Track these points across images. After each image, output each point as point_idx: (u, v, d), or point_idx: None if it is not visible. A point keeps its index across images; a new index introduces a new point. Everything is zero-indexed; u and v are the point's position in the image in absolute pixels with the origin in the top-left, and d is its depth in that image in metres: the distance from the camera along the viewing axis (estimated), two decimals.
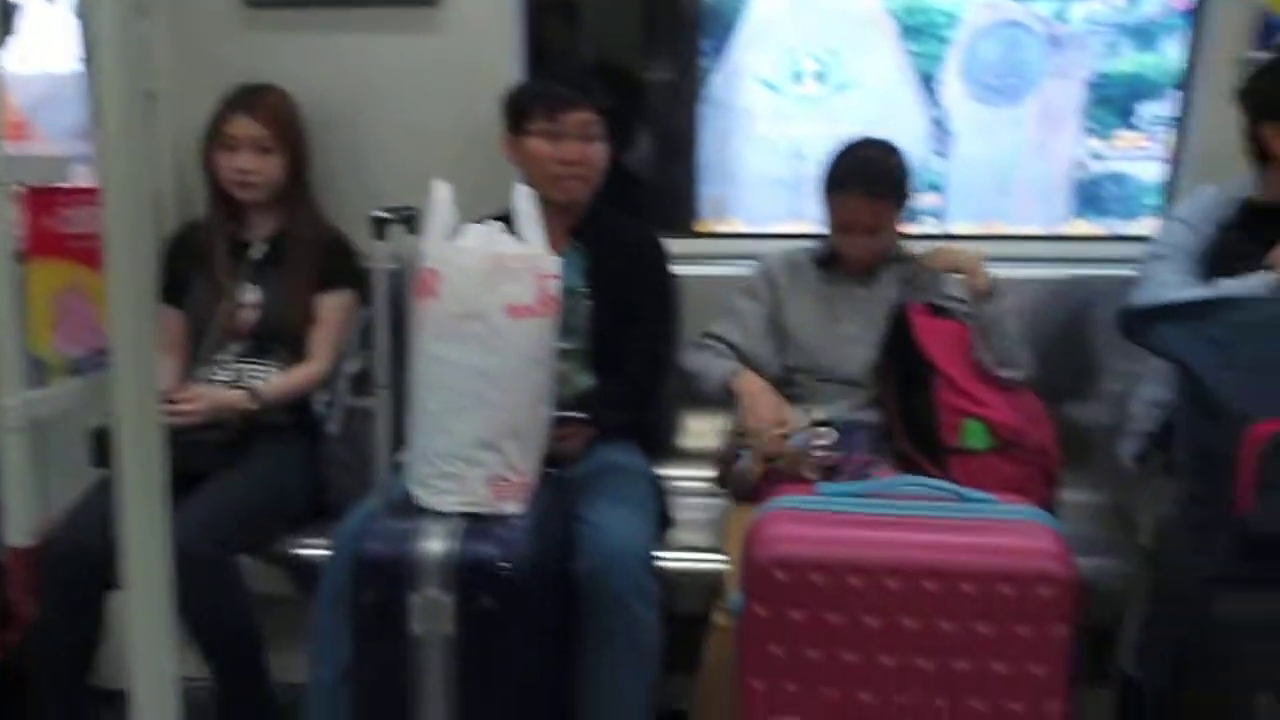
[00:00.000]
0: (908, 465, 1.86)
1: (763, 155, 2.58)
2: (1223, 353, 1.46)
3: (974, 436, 1.84)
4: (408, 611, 1.52)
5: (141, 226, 1.09)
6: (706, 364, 2.08)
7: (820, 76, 2.54)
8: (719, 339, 2.10)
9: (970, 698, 1.43)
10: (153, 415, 1.08)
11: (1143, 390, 1.88)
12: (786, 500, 1.55)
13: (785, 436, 1.88)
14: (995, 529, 1.46)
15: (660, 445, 2.11)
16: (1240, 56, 2.16)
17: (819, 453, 1.85)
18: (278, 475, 1.99)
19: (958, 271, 1.95)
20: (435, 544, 1.54)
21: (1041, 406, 1.93)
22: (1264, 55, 2.07)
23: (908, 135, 2.48)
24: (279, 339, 2.11)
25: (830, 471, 1.83)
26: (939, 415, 1.86)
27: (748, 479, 1.89)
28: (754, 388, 1.98)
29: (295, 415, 2.07)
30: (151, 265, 1.11)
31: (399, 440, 1.73)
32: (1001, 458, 1.83)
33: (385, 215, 1.86)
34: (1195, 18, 2.32)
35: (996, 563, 1.40)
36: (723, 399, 2.03)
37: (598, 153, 1.99)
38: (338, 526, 1.75)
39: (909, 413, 1.92)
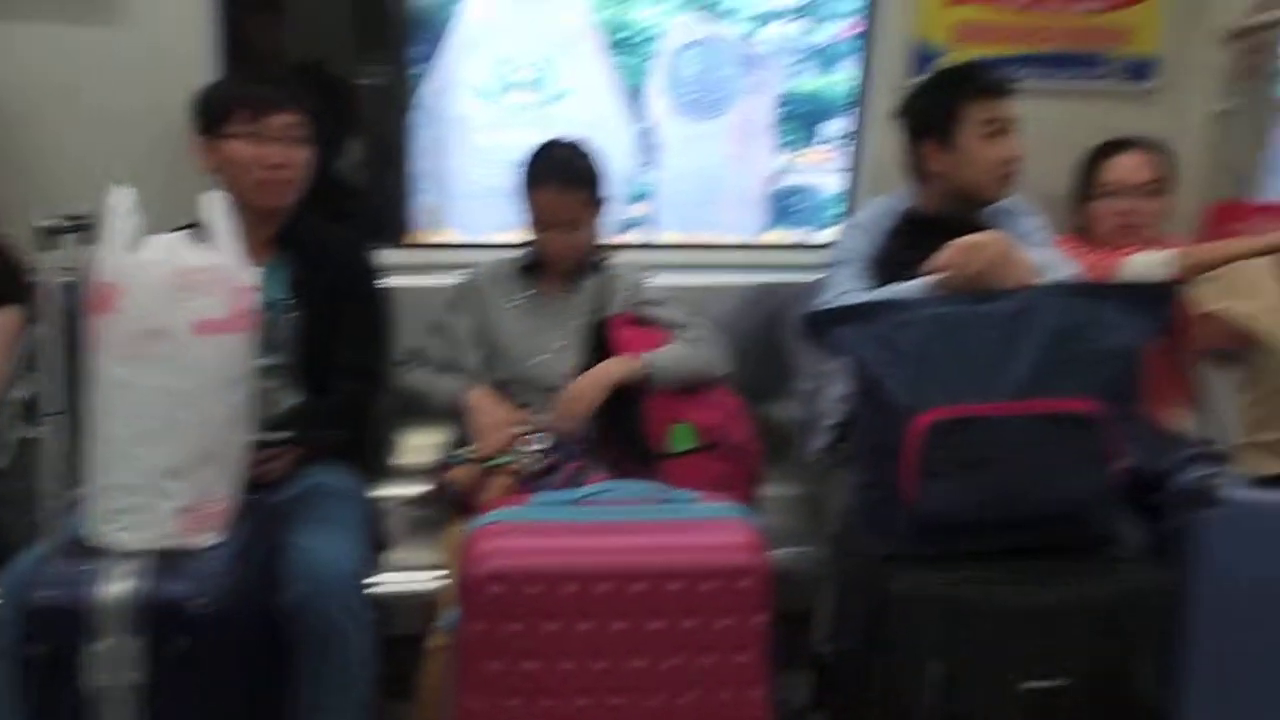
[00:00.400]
0: (621, 471, 1.92)
1: (477, 164, 2.57)
2: (889, 350, 1.61)
3: (682, 439, 1.93)
4: (86, 663, 1.38)
5: None
6: (430, 382, 2.05)
7: (533, 86, 2.57)
8: (420, 352, 2.09)
9: (682, 692, 1.49)
10: None
11: (830, 388, 2.03)
12: (499, 514, 1.55)
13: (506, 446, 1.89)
14: (697, 528, 1.53)
15: (374, 464, 2.05)
16: (900, 81, 2.39)
17: (531, 460, 1.87)
18: None
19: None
20: (117, 586, 1.40)
21: (741, 406, 2.04)
22: (917, 80, 2.30)
23: (618, 145, 2.57)
24: None
25: (543, 476, 1.85)
26: (648, 421, 1.94)
27: (459, 490, 1.88)
28: (484, 402, 1.98)
29: None
30: None
31: (75, 474, 1.57)
32: (708, 457, 1.92)
33: (55, 223, 1.69)
34: (864, 43, 2.54)
35: (698, 560, 1.47)
36: (449, 415, 2.00)
37: (302, 157, 1.90)
38: (4, 573, 1.56)
39: (619, 420, 1.98)
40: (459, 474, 1.90)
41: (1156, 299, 1.63)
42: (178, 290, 1.49)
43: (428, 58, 2.52)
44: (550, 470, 1.87)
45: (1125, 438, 1.58)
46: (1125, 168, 2.24)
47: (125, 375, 1.48)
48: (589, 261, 2.13)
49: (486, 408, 1.97)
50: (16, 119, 2.13)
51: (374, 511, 1.91)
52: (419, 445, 2.10)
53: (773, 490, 2.04)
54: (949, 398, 1.54)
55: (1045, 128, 2.09)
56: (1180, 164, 2.29)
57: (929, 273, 1.74)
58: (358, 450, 1.96)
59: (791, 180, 2.71)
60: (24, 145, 2.14)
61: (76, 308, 1.62)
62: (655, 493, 1.60)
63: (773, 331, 2.31)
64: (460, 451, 1.93)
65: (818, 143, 2.69)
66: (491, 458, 1.88)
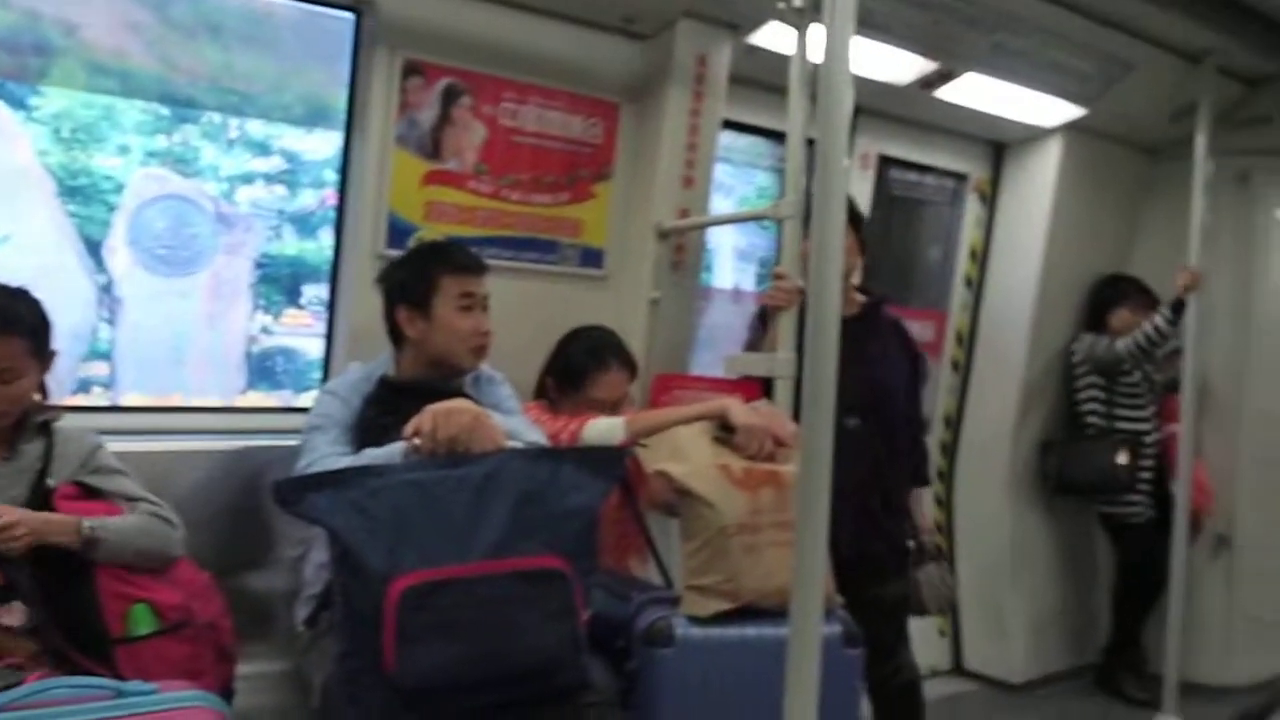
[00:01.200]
0: (65, 664, 1.69)
1: None
2: (364, 516, 1.63)
3: (141, 621, 1.76)
4: None
5: None
6: None
7: None
8: None
9: None
10: None
11: (313, 555, 2.00)
12: None
13: None
14: None
15: None
16: (378, 251, 2.51)
17: None
18: None
19: None
20: None
21: (210, 581, 1.92)
22: (398, 251, 2.44)
23: (71, 299, 2.36)
24: None
25: None
26: (102, 604, 1.75)
27: None
28: None
29: None
30: None
31: None
32: (171, 639, 1.77)
33: None
34: (339, 214, 2.62)
35: None
36: None
37: None
38: None
39: (65, 606, 1.76)
40: None
41: (609, 462, 1.85)
42: None
43: None
44: None
45: (589, 588, 1.74)
46: (607, 387, 2.46)
47: None
48: (32, 422, 1.90)
49: None
50: None
51: None
52: None
53: (253, 668, 1.93)
54: (424, 561, 1.60)
55: (510, 304, 2.31)
56: (630, 342, 2.62)
57: (404, 438, 1.81)
58: None
59: (271, 342, 2.67)
60: None
61: None
62: (106, 688, 1.44)
63: (252, 497, 2.22)
64: None
65: (298, 306, 2.70)
66: None
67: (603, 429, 2.25)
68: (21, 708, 1.36)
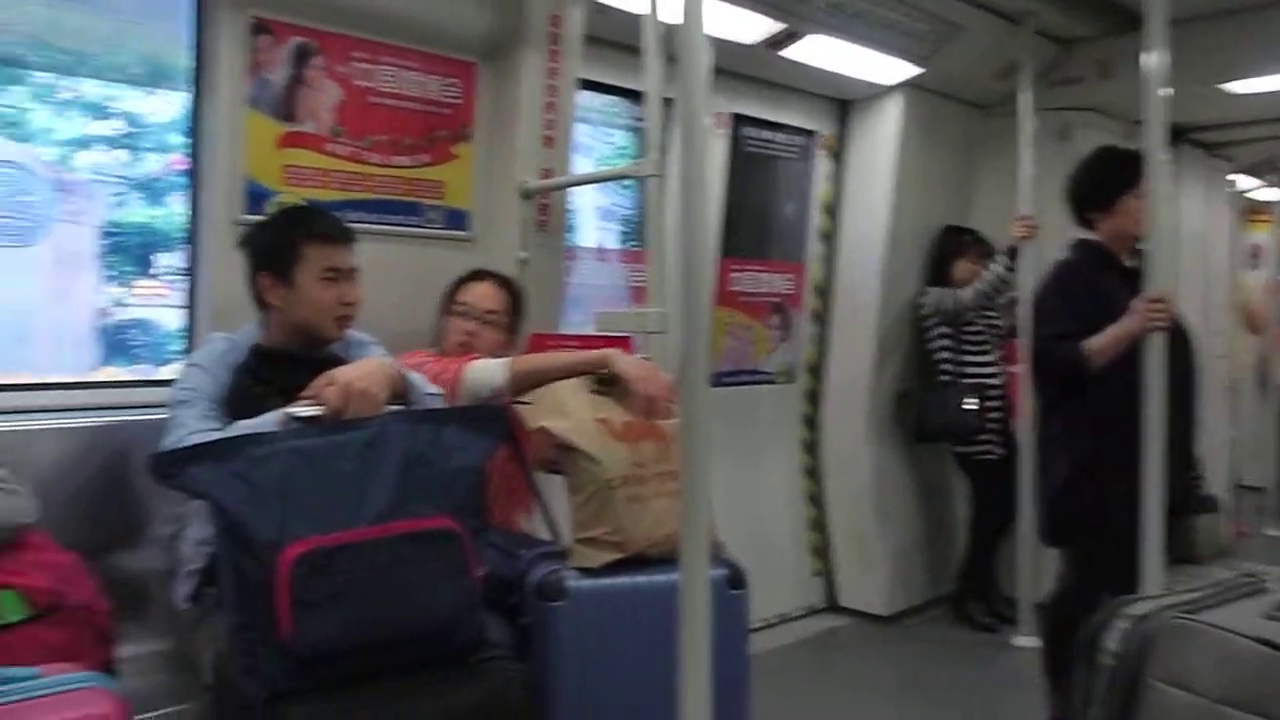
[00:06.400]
0: None
1: None
2: (248, 486, 1.61)
3: (8, 608, 1.69)
4: None
5: None
6: None
7: None
8: None
9: None
10: None
11: (190, 531, 1.95)
12: None
13: None
14: (42, 707, 1.36)
15: None
16: (235, 217, 2.43)
17: None
18: None
19: None
20: None
21: (78, 561, 1.86)
22: (257, 216, 2.37)
23: None
24: None
25: None
26: None
27: None
28: None
29: None
30: None
31: None
32: (43, 625, 1.72)
33: None
34: (192, 179, 2.52)
35: None
36: None
37: None
38: None
39: None
40: None
41: (492, 420, 1.87)
42: None
43: None
44: None
45: (481, 547, 1.77)
46: (476, 294, 2.54)
47: None
48: None
49: None
50: None
51: None
52: None
53: (133, 650, 1.89)
54: (314, 529, 1.59)
55: (376, 268, 2.28)
56: None
57: (305, 401, 1.79)
58: None
59: (124, 315, 2.56)
60: None
61: None
62: None
63: (116, 475, 2.14)
64: None
65: (150, 275, 2.59)
66: None
67: (483, 367, 2.27)
68: None
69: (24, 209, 2.42)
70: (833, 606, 4.31)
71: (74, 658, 1.59)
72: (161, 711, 1.72)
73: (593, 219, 3.68)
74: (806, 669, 3.67)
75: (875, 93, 4.08)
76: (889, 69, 3.86)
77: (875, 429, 4.21)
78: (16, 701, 1.35)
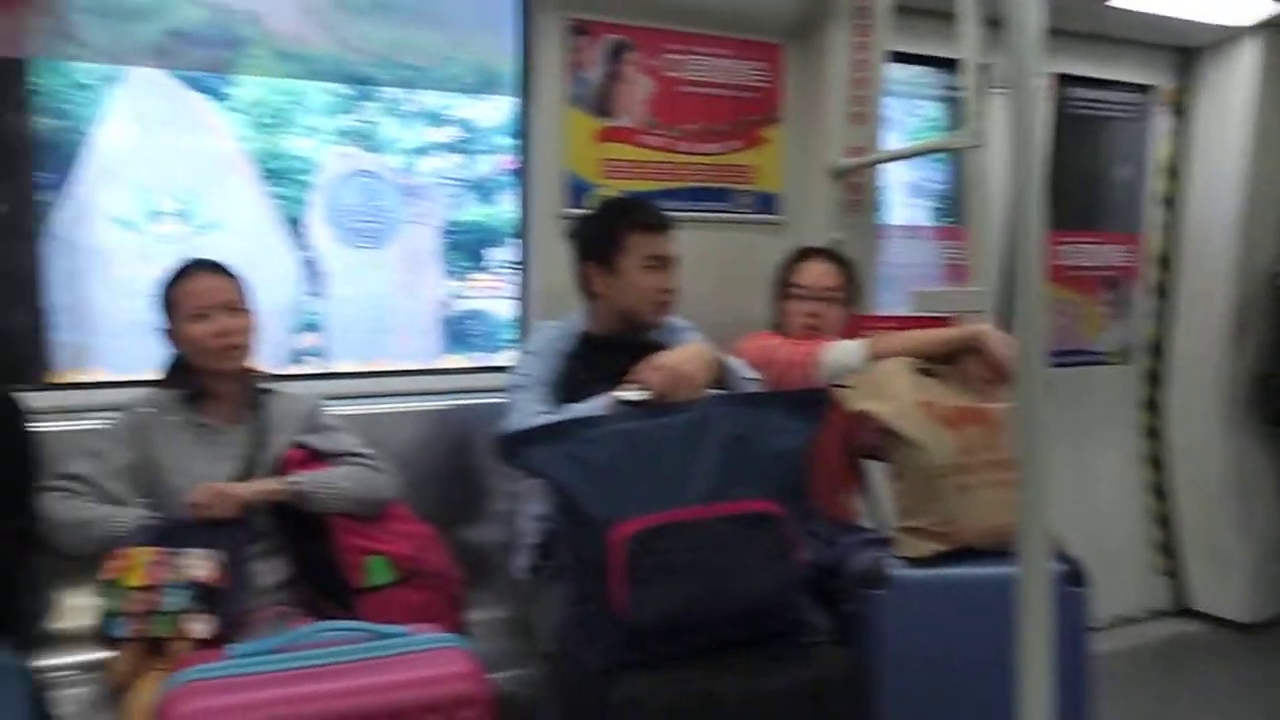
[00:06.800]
0: (317, 612, 1.83)
1: (123, 298, 2.40)
2: (581, 466, 1.69)
3: (378, 572, 1.89)
4: None
5: None
6: (100, 513, 1.84)
7: (181, 216, 2.45)
8: (77, 478, 1.88)
9: None
10: None
11: (527, 507, 2.08)
12: (193, 671, 1.43)
13: (156, 591, 1.70)
14: (411, 662, 1.50)
15: (31, 633, 1.79)
16: (559, 211, 2.57)
17: (198, 620, 1.70)
18: None
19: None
20: None
21: (433, 533, 2.03)
22: (579, 210, 2.49)
23: (279, 275, 2.51)
24: None
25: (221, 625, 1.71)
26: (341, 557, 1.88)
27: (121, 683, 1.69)
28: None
29: None
30: None
31: None
32: (406, 588, 1.90)
33: None
34: (521, 177, 2.69)
35: (418, 695, 1.44)
36: (106, 550, 1.78)
37: None
38: None
39: (310, 559, 1.90)
40: (118, 667, 1.70)
41: (813, 403, 1.85)
42: None
43: (58, 185, 2.33)
44: (231, 625, 1.73)
45: (802, 531, 1.76)
46: (811, 274, 2.51)
47: None
48: (254, 389, 2.05)
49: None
50: None
51: (36, 687, 1.67)
52: (81, 606, 1.86)
53: (478, 615, 2.04)
54: (643, 508, 1.65)
55: (690, 255, 2.31)
56: None
57: (631, 386, 1.85)
58: (11, 619, 1.72)
59: (462, 306, 2.78)
60: None
61: None
62: (363, 631, 1.55)
63: (461, 455, 2.33)
64: (115, 620, 1.71)
65: (484, 269, 2.79)
66: (149, 634, 1.70)
67: (840, 349, 2.23)
68: (300, 647, 1.49)
69: (379, 213, 2.67)
70: (1182, 610, 3.90)
71: (431, 619, 1.74)
72: (505, 674, 1.84)
73: (902, 196, 3.54)
74: (1154, 677, 3.34)
75: (1226, 37, 3.62)
76: (1244, 8, 3.41)
77: (1231, 414, 3.75)
78: (393, 655, 1.50)
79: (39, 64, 2.27)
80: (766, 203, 2.87)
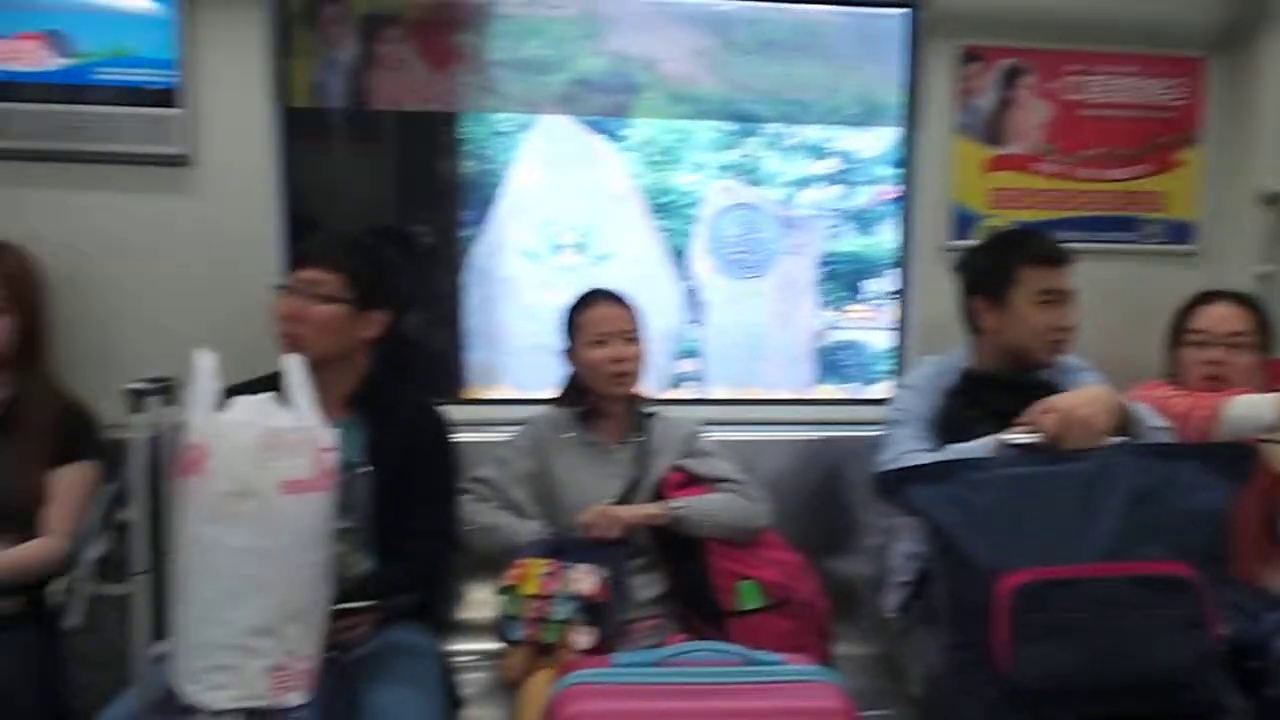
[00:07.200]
0: (689, 630, 1.90)
1: (526, 322, 2.64)
2: (964, 510, 1.62)
3: (749, 597, 1.92)
4: None
5: None
6: (496, 517, 2.05)
7: (579, 248, 2.66)
8: (485, 482, 2.11)
9: None
10: None
11: (899, 544, 2.03)
12: (582, 675, 1.53)
13: (548, 600, 1.85)
14: (784, 691, 1.50)
15: (444, 619, 2.03)
16: (941, 243, 2.49)
17: (582, 631, 1.83)
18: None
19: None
20: None
21: (803, 562, 2.03)
22: (963, 241, 2.40)
23: (664, 304, 2.64)
24: (8, 517, 1.89)
25: (603, 635, 1.82)
26: (715, 580, 1.94)
27: (514, 679, 1.85)
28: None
29: (25, 604, 1.84)
30: None
31: (159, 630, 1.56)
32: (776, 615, 1.92)
33: (141, 386, 1.73)
34: (904, 207, 2.65)
35: None
36: (506, 556, 1.97)
37: (317, 313, 1.88)
38: None
39: (684, 578, 1.98)
40: (512, 664, 1.87)
41: (1236, 459, 1.64)
42: (265, 451, 1.52)
43: (477, 221, 2.62)
44: (611, 636, 1.84)
45: (1219, 601, 1.56)
46: (1214, 317, 2.26)
47: (213, 534, 1.49)
48: (638, 411, 2.16)
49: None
50: (97, 285, 2.21)
51: (447, 668, 1.89)
52: (484, 600, 2.08)
53: (844, 649, 2.01)
54: (1032, 559, 1.54)
55: (1086, 287, 2.15)
56: None
57: (1020, 428, 1.75)
58: (430, 607, 1.95)
59: (837, 336, 2.77)
60: (103, 309, 2.22)
61: (159, 467, 1.64)
62: (738, 654, 1.58)
63: (831, 485, 2.32)
64: (513, 623, 1.88)
65: (860, 300, 2.77)
66: (540, 639, 1.85)
67: (1249, 403, 2.00)
68: (678, 663, 1.54)
69: (758, 245, 2.74)
70: None
71: (799, 648, 1.74)
72: (871, 713, 1.79)
73: None
74: None
75: None
76: None
77: None
78: (768, 683, 1.51)
79: (465, 115, 2.56)
80: (1179, 232, 2.60)
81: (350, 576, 1.79)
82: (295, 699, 1.49)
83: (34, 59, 2.21)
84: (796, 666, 1.56)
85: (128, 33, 2.23)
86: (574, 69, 2.58)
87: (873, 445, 2.09)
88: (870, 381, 2.75)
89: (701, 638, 1.76)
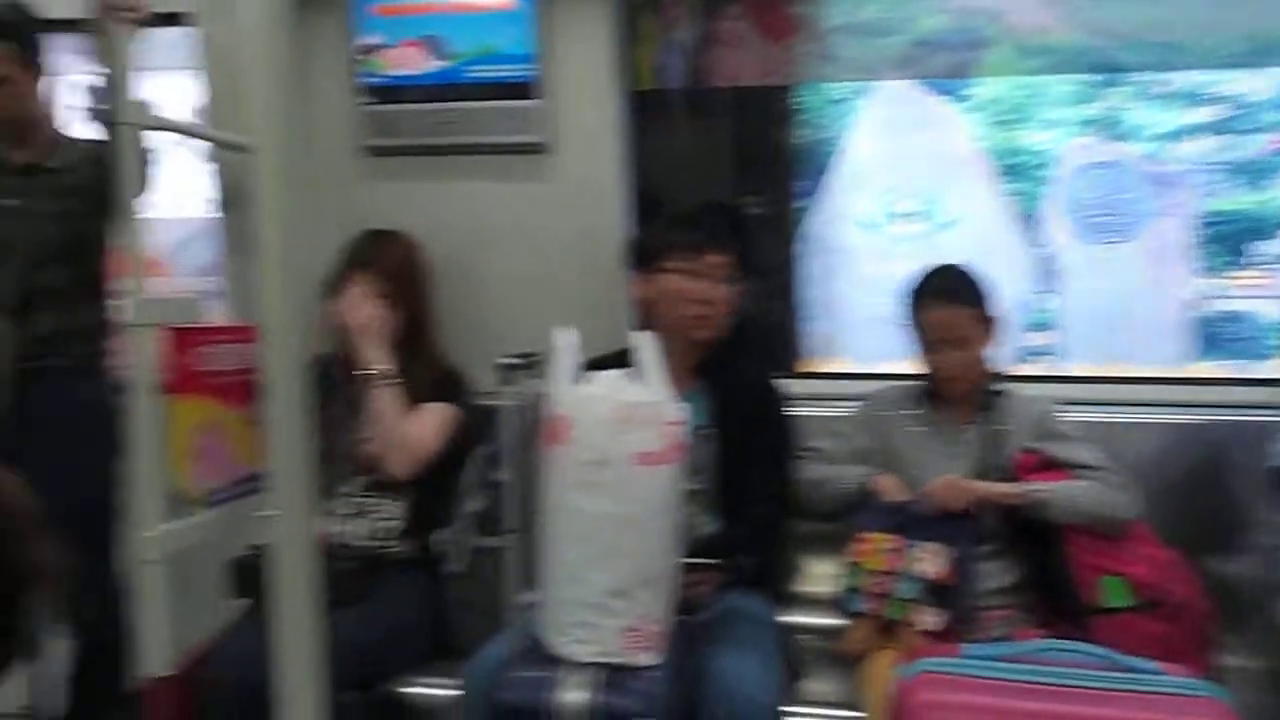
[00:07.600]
0: (1045, 625, 1.79)
1: (865, 293, 2.59)
2: None
3: (1114, 594, 1.77)
4: None
5: (296, 361, 1.11)
6: (837, 471, 2.04)
7: (920, 216, 2.57)
8: (818, 452, 2.10)
9: None
10: (307, 545, 1.08)
11: None
12: (930, 663, 1.49)
13: (892, 577, 1.81)
14: (1162, 703, 1.37)
15: (782, 590, 2.06)
16: None
17: (927, 611, 1.78)
18: (398, 612, 1.98)
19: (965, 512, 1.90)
20: (574, 694, 1.53)
21: (1183, 560, 1.85)
22: None
23: (1012, 272, 2.49)
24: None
25: (949, 619, 1.76)
26: (1075, 573, 1.81)
27: (856, 655, 1.84)
28: (890, 484, 1.96)
29: (419, 549, 2.08)
30: (303, 399, 1.12)
31: (529, 583, 1.72)
32: (1146, 616, 1.76)
33: (511, 360, 1.89)
34: None
35: None
36: (852, 505, 1.97)
37: (728, 295, 2.01)
38: (465, 668, 1.72)
39: (1040, 568, 1.86)
40: (855, 637, 1.86)
41: None
42: (619, 424, 1.62)
43: (811, 191, 2.60)
44: (960, 621, 1.78)
45: None
46: None
47: (577, 501, 1.61)
48: (986, 389, 2.05)
49: (892, 488, 1.95)
50: (469, 265, 2.43)
51: (785, 638, 1.92)
52: (822, 573, 2.08)
53: (1231, 661, 1.81)
54: None
55: None
56: None
57: None
58: (769, 575, 1.99)
59: (1220, 306, 2.47)
60: (470, 291, 2.43)
61: (528, 434, 1.78)
62: (1105, 658, 1.46)
63: (1212, 476, 2.08)
64: (854, 596, 1.87)
65: (1248, 265, 2.45)
66: (882, 615, 1.82)
67: None
68: (1035, 660, 1.46)
69: (1122, 206, 2.50)
70: None
71: (1174, 656, 1.58)
72: None
73: None
74: None
75: None
76: None
77: None
78: (1142, 692, 1.38)
79: (801, 86, 2.54)
80: None
81: (697, 537, 1.85)
82: (647, 659, 1.58)
83: (416, 63, 2.45)
84: (1175, 677, 1.42)
85: (493, 31, 2.41)
86: (914, 30, 2.47)
87: (1263, 432, 1.86)
88: (1260, 358, 2.42)
89: (1058, 635, 1.65)
